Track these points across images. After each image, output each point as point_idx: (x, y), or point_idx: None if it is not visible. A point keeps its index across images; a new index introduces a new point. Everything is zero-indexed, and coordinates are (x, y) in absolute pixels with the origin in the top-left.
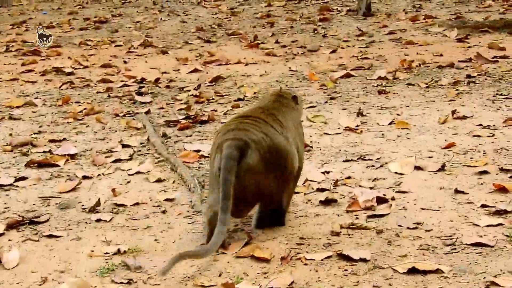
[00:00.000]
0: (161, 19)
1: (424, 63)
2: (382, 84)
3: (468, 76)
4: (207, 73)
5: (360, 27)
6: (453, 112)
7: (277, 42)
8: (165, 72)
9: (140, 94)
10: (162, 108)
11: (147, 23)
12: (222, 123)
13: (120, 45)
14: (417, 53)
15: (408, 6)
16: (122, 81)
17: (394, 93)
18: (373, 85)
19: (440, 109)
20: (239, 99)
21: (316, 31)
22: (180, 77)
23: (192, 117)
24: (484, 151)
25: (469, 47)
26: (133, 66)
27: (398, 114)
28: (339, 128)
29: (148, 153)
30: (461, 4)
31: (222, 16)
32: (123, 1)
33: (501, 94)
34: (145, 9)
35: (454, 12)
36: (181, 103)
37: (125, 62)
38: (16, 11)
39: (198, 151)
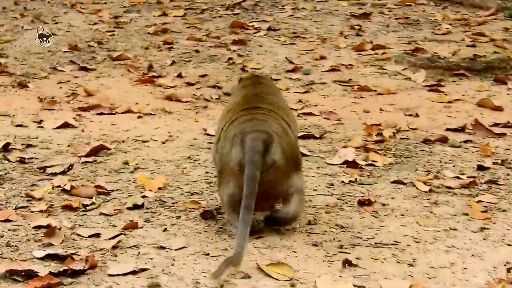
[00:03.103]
0: (22, 27)
1: (399, 130)
2: (356, 179)
3: (481, 168)
4: (83, 131)
5: (290, 58)
6: (509, 270)
7: (180, 75)
8: (20, 126)
9: None
10: (9, 220)
11: (3, 33)
12: (110, 275)
13: None
14: (380, 109)
15: (343, 27)
16: None
17: (382, 204)
18: (342, 181)
19: (474, 251)
20: (136, 206)
21: (231, 61)
22: (42, 139)
23: (58, 256)
24: None
25: (449, 102)
26: None
27: (410, 264)
28: None
29: None
30: (411, 27)
31: (104, 28)
32: None
33: None
34: (2, 11)
35: (407, 40)
36: (41, 210)
37: None
38: None
39: None
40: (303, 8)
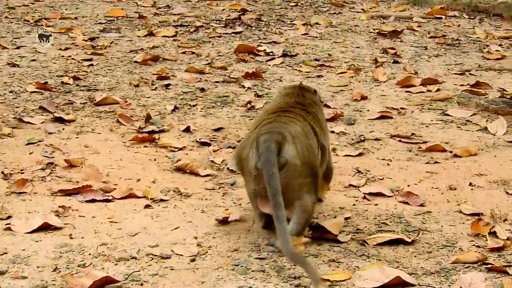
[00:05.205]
0: None
1: None
2: None
3: None
4: (71, 236)
5: (323, 99)
6: None
7: (188, 130)
8: None
9: None
10: None
11: None
12: None
13: None
14: (470, 184)
15: (373, 49)
16: None
17: None
18: None
19: None
20: None
21: (249, 104)
22: (14, 256)
23: None
24: None
25: None
26: None
27: None
28: None
29: None
30: (454, 50)
31: (78, 55)
32: None
33: None
34: None
35: (457, 68)
36: None
37: None
38: None
39: None
40: (317, 24)
